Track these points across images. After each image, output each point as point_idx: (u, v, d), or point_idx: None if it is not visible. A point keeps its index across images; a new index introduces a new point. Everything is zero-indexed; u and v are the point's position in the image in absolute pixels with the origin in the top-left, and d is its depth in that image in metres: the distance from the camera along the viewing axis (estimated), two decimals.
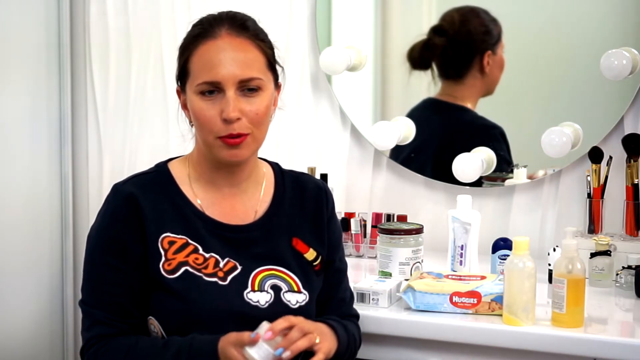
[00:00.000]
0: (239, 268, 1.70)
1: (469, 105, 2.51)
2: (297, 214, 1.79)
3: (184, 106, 1.73)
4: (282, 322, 1.60)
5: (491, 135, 2.49)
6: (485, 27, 2.48)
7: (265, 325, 1.58)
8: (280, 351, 1.57)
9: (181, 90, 1.73)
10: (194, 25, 1.72)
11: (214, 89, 1.65)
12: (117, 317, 1.66)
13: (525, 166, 2.45)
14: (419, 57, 2.54)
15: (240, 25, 1.69)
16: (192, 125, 1.74)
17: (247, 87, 1.66)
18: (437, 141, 2.59)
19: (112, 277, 1.66)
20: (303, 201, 1.80)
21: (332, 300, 1.80)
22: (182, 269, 1.66)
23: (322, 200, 1.82)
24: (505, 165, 2.47)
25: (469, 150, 2.46)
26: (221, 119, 1.64)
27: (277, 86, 1.75)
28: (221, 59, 1.65)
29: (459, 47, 2.51)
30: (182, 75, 1.71)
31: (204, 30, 1.68)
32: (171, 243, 1.68)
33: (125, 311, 1.66)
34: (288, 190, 1.80)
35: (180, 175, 1.74)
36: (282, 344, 1.57)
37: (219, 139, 1.66)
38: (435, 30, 2.51)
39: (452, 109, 2.54)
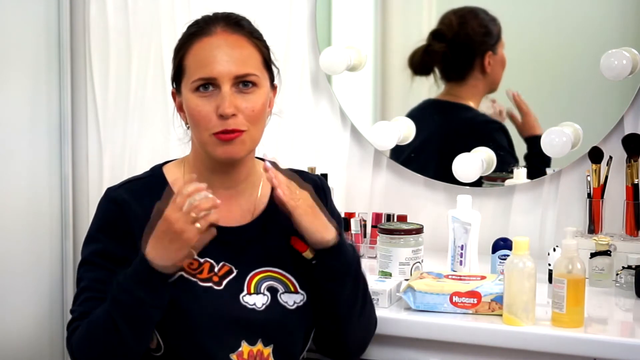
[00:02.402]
0: (235, 272, 1.69)
1: (471, 104, 2.51)
2: None
3: (180, 108, 1.73)
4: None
5: (492, 130, 2.49)
6: (485, 27, 2.47)
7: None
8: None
9: (177, 91, 1.72)
10: (189, 26, 1.72)
11: (209, 85, 1.65)
12: (92, 309, 1.65)
13: (525, 166, 2.45)
14: (420, 64, 2.54)
15: (235, 23, 1.70)
16: (187, 128, 1.74)
17: (243, 83, 1.66)
18: (438, 141, 2.59)
19: (95, 274, 1.66)
20: None
21: None
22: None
23: (319, 194, 1.81)
24: (510, 158, 2.46)
25: (471, 148, 2.46)
26: (217, 115, 1.64)
27: (273, 87, 1.75)
28: (216, 55, 1.65)
29: (459, 50, 2.51)
30: (178, 75, 1.70)
31: (199, 28, 1.69)
32: None
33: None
34: None
35: (175, 178, 1.73)
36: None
37: (214, 135, 1.65)
38: (434, 35, 2.51)
39: (454, 108, 2.54)
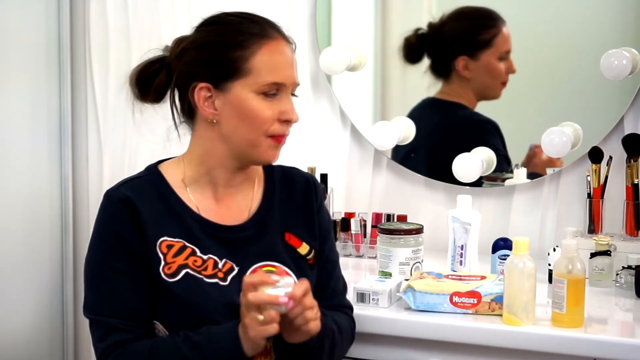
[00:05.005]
0: (236, 269, 1.70)
1: (464, 102, 2.51)
2: (287, 208, 1.79)
3: (206, 101, 1.67)
4: (301, 286, 1.58)
5: (485, 130, 2.49)
6: (466, 31, 2.48)
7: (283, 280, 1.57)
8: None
9: (215, 87, 1.66)
10: (240, 24, 1.68)
11: (276, 91, 1.67)
12: (134, 322, 1.64)
13: (525, 166, 2.45)
14: (406, 51, 2.56)
15: (281, 31, 1.72)
16: (213, 123, 1.69)
17: (293, 92, 1.71)
18: (437, 140, 2.59)
19: (124, 282, 1.64)
20: (292, 195, 1.81)
21: (325, 291, 1.80)
22: (183, 272, 1.66)
23: (310, 192, 1.82)
24: (503, 160, 2.46)
25: (466, 147, 2.46)
26: (279, 120, 1.67)
27: None
28: (285, 62, 1.68)
29: (434, 46, 2.52)
30: (229, 72, 1.65)
31: (262, 29, 1.69)
32: (169, 247, 1.67)
33: (142, 315, 1.65)
34: (277, 186, 1.81)
35: (174, 177, 1.73)
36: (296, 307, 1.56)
37: (272, 138, 1.67)
38: (428, 25, 2.52)
39: (449, 107, 2.54)
